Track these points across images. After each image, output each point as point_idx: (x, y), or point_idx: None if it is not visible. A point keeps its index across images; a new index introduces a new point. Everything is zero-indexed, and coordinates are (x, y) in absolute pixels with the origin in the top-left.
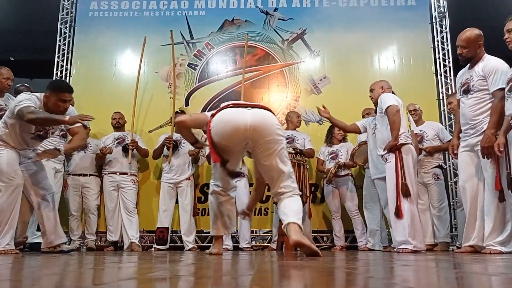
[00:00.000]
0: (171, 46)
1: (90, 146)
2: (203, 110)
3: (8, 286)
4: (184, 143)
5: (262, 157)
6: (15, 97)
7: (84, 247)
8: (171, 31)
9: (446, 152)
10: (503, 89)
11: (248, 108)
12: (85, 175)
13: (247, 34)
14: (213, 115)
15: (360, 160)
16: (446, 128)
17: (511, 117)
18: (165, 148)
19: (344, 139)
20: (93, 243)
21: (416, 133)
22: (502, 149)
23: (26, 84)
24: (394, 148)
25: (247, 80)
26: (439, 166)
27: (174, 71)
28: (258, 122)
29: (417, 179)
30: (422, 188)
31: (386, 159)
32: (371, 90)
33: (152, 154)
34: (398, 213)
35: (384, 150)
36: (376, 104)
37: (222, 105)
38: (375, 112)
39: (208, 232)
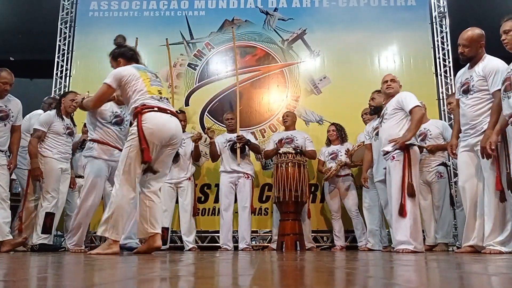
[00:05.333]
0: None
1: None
2: (203, 110)
3: (9, 285)
4: (184, 143)
5: (166, 155)
6: (17, 97)
7: None
8: (167, 39)
9: None
10: None
11: (170, 115)
12: (82, 176)
13: (233, 28)
14: (141, 111)
15: (358, 159)
16: None
17: (508, 117)
18: None
19: (344, 139)
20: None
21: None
22: (493, 147)
23: (53, 96)
24: (404, 147)
25: (247, 80)
26: (443, 164)
27: (172, 76)
28: (176, 131)
29: (420, 178)
30: (425, 187)
31: (393, 156)
32: (392, 80)
33: None
34: (402, 212)
35: (391, 145)
36: (388, 96)
37: (147, 102)
38: (371, 114)
39: (208, 232)
